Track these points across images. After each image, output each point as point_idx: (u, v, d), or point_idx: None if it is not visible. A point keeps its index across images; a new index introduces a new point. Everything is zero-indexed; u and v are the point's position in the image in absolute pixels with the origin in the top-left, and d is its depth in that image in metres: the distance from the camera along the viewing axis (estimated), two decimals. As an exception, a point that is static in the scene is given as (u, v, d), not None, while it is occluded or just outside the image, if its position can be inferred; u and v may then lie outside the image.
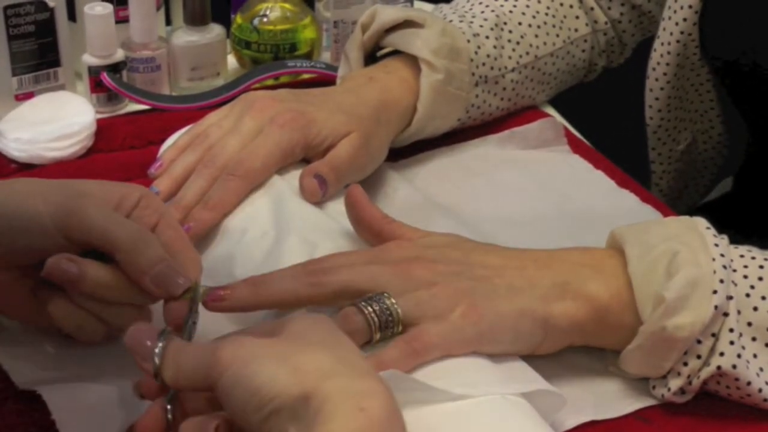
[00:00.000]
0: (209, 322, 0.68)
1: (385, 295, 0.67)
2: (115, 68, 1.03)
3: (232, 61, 1.12)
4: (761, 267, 0.70)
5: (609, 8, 1.06)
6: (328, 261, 0.70)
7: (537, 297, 0.69)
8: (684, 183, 1.11)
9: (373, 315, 0.66)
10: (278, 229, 0.78)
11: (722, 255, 0.69)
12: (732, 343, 0.68)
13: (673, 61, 0.99)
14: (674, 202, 1.10)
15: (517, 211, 0.90)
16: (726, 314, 0.68)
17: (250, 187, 0.82)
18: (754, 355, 0.69)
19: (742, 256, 0.71)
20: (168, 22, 1.15)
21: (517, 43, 0.99)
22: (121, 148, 0.98)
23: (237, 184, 0.81)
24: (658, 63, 1.00)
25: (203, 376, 0.56)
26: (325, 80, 1.05)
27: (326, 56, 1.14)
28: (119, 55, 1.04)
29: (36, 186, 0.69)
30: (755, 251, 0.72)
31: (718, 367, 0.68)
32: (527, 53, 1.00)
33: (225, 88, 1.06)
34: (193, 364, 0.57)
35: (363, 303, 0.66)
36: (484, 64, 0.96)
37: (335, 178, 0.83)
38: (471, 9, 1.00)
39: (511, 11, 1.01)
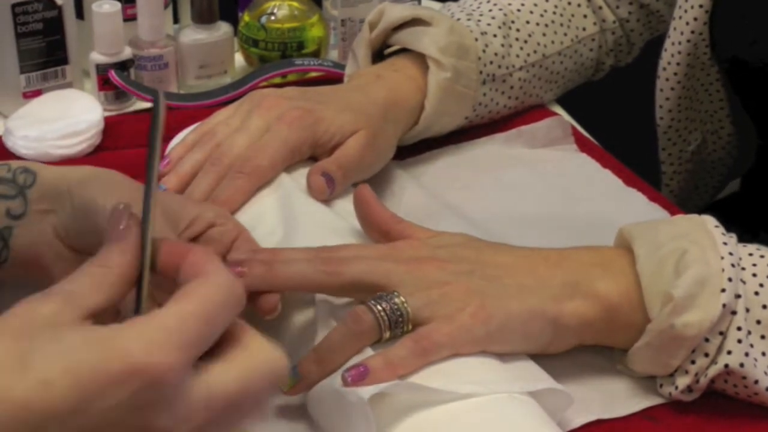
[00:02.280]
0: None
1: (395, 293, 0.66)
2: (122, 66, 1.03)
3: (239, 59, 1.12)
4: (770, 265, 0.70)
5: (617, 7, 1.06)
6: (343, 251, 0.70)
7: (547, 297, 0.69)
8: (694, 184, 1.10)
9: (382, 313, 0.65)
10: (286, 227, 0.78)
11: (731, 253, 0.69)
12: (740, 341, 0.67)
13: (683, 61, 0.99)
14: (684, 203, 1.10)
15: (524, 209, 0.90)
16: (734, 312, 0.68)
17: (257, 185, 0.82)
18: (763, 354, 0.68)
19: (750, 254, 0.71)
20: (176, 20, 1.15)
21: (525, 41, 0.99)
22: (129, 146, 0.98)
23: (244, 182, 0.81)
24: (669, 63, 1.00)
25: None
26: (333, 78, 1.05)
27: (334, 54, 1.13)
28: (127, 53, 1.04)
29: (111, 187, 0.69)
30: (764, 250, 0.71)
31: (726, 366, 0.68)
32: (535, 52, 1.00)
33: (232, 86, 1.06)
34: None
35: (373, 301, 0.66)
36: (491, 62, 0.96)
37: (343, 177, 0.83)
38: (479, 7, 1.00)
39: (518, 10, 1.00)
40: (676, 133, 1.05)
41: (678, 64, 0.99)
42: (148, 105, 1.05)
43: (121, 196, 0.68)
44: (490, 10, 0.99)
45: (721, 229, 0.71)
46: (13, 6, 0.99)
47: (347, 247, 0.71)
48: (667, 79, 1.01)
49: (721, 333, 0.67)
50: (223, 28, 1.08)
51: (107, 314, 0.51)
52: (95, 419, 0.46)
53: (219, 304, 0.50)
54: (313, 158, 0.86)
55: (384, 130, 0.89)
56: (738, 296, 0.68)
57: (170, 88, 1.07)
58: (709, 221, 0.72)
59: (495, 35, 0.97)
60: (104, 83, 1.03)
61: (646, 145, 1.15)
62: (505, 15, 0.99)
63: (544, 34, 1.00)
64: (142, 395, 0.47)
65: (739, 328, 0.67)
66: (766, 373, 0.68)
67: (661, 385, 0.71)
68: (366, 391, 0.61)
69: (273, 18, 1.09)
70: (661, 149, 1.07)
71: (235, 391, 0.50)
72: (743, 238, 0.72)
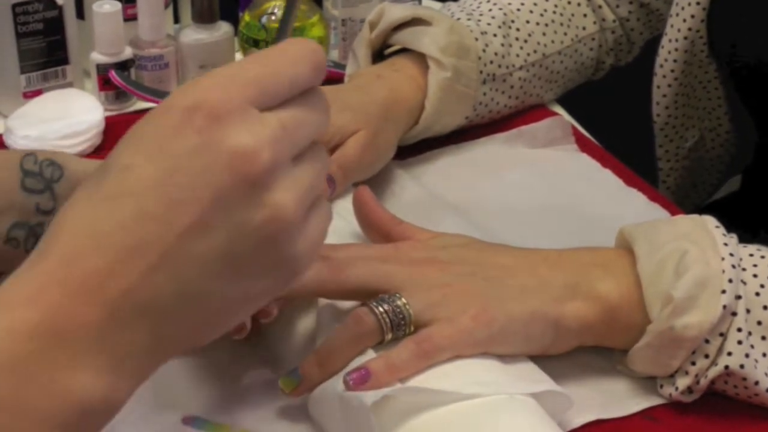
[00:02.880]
0: None
1: (397, 295, 0.67)
2: (123, 66, 1.03)
3: (240, 59, 1.12)
4: (770, 266, 0.70)
5: (617, 6, 1.06)
6: (343, 251, 0.70)
7: (549, 298, 0.69)
8: (692, 181, 1.10)
9: (384, 315, 0.66)
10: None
11: (731, 254, 0.69)
12: (740, 342, 0.68)
13: (680, 58, 0.99)
14: (682, 201, 1.10)
15: (524, 209, 0.90)
16: (734, 314, 0.68)
17: (258, 185, 0.81)
18: (763, 355, 0.68)
19: (751, 255, 0.71)
20: (176, 20, 1.15)
21: (525, 41, 0.99)
22: (130, 146, 0.98)
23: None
24: (666, 60, 1.00)
25: None
26: (333, 78, 1.05)
27: (334, 54, 1.14)
28: (127, 53, 1.04)
29: None
30: (764, 250, 0.71)
31: (726, 367, 0.68)
32: (535, 51, 1.00)
33: (233, 85, 1.06)
34: None
35: (374, 303, 0.66)
36: (491, 62, 0.96)
37: (343, 177, 0.83)
38: (479, 7, 1.00)
39: (518, 9, 1.01)
40: (673, 130, 1.05)
41: (675, 61, 0.99)
42: (148, 105, 1.05)
43: None
44: (490, 10, 0.99)
45: (722, 230, 0.71)
46: (14, 6, 0.99)
47: (348, 246, 0.71)
48: (664, 76, 1.01)
49: (721, 334, 0.68)
50: (224, 28, 1.08)
51: None
52: (184, 175, 0.46)
53: (284, 51, 0.51)
54: (314, 158, 0.86)
55: (384, 129, 0.89)
56: (738, 297, 0.68)
57: (170, 88, 1.07)
58: (710, 221, 0.72)
59: (495, 35, 0.97)
60: (105, 83, 1.04)
61: (646, 144, 1.15)
62: (505, 15, 0.99)
63: (544, 34, 1.01)
64: (210, 129, 0.47)
65: (739, 330, 0.68)
66: (766, 374, 0.68)
67: (661, 386, 0.71)
68: (368, 396, 0.61)
69: (273, 18, 1.09)
70: (658, 146, 1.07)
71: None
72: (743, 238, 0.72)
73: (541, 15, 1.01)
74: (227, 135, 0.47)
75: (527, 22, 1.00)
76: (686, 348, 0.68)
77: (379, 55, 0.98)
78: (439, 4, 1.12)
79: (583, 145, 0.99)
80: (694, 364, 0.69)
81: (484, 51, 0.96)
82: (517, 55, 0.98)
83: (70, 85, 1.04)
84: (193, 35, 1.07)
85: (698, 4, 0.96)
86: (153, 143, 0.47)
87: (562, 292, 0.69)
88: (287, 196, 0.49)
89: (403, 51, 0.96)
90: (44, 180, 0.70)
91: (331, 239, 0.74)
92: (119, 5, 1.02)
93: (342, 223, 0.78)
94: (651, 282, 0.69)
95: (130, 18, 1.05)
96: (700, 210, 1.04)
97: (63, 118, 0.97)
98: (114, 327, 0.46)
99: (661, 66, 1.01)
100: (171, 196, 0.46)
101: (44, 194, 0.70)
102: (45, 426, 0.44)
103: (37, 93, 1.03)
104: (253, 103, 0.48)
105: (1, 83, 1.02)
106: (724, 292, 0.67)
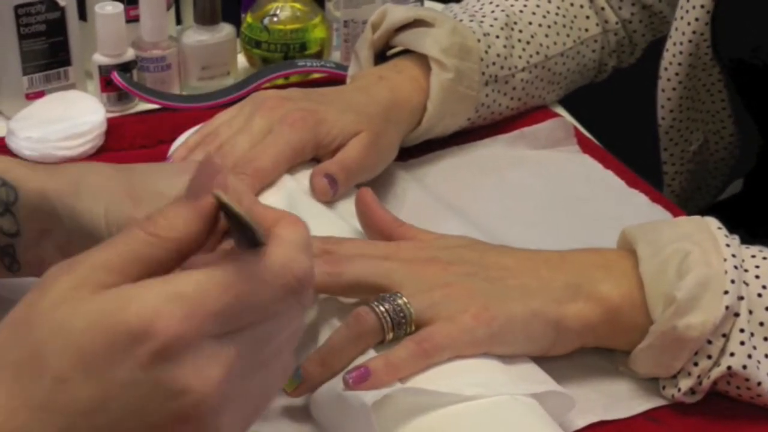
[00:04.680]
0: None
1: (398, 294, 0.67)
2: (125, 67, 1.03)
3: (242, 60, 1.12)
4: (773, 267, 0.70)
5: (620, 8, 1.06)
6: (345, 246, 0.70)
7: (550, 299, 0.69)
8: (696, 184, 1.10)
9: (385, 315, 0.66)
10: (288, 229, 0.78)
11: (734, 255, 0.69)
12: (742, 343, 0.67)
13: (685, 61, 0.99)
14: (686, 203, 1.10)
15: (526, 210, 0.90)
16: (737, 315, 0.68)
17: (260, 186, 0.82)
18: (766, 355, 0.68)
19: (753, 256, 0.71)
20: (178, 21, 1.15)
21: (528, 42, 0.99)
22: (132, 148, 0.98)
23: (247, 184, 0.81)
24: (670, 63, 1.00)
25: None
26: (335, 79, 1.05)
27: (336, 56, 1.14)
28: (129, 54, 1.04)
29: (103, 189, 0.69)
30: (767, 251, 0.71)
31: (729, 368, 0.68)
32: (537, 53, 1.00)
33: (235, 87, 1.06)
34: None
35: (376, 303, 0.66)
36: (494, 63, 0.96)
37: (345, 178, 0.83)
38: (481, 8, 1.00)
39: (521, 11, 1.00)
40: (677, 133, 1.05)
41: (680, 64, 0.99)
42: (150, 106, 1.05)
43: (112, 192, 0.68)
44: (493, 12, 0.99)
45: (724, 231, 0.71)
46: (16, 7, 0.99)
47: (350, 241, 0.72)
48: (668, 80, 1.01)
49: (723, 335, 0.67)
50: (226, 30, 1.08)
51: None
52: (116, 405, 0.45)
53: (255, 272, 0.47)
54: (316, 160, 0.86)
55: (386, 131, 0.89)
56: (741, 298, 0.68)
57: (172, 90, 1.07)
58: (712, 223, 0.72)
59: (497, 36, 0.97)
60: (107, 85, 1.04)
61: (648, 146, 1.15)
62: (507, 16, 0.99)
63: (546, 35, 1.00)
64: (154, 365, 0.45)
65: (741, 330, 0.67)
66: (769, 375, 0.68)
67: (663, 387, 0.71)
68: (369, 396, 0.61)
69: (276, 19, 1.09)
70: (662, 149, 1.07)
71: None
72: (745, 240, 0.72)
73: (544, 17, 1.01)
74: (171, 376, 0.45)
75: (530, 23, 1.00)
76: (689, 349, 0.68)
77: (381, 56, 0.98)
78: (441, 6, 1.12)
79: (585, 147, 0.99)
80: (696, 365, 0.68)
81: (486, 52, 0.96)
82: (520, 57, 0.98)
83: (72, 86, 1.04)
84: (196, 36, 1.07)
85: (702, 7, 0.96)
86: (93, 362, 0.45)
87: (564, 293, 0.69)
88: (230, 420, 0.47)
89: (406, 52, 0.96)
90: (2, 202, 0.68)
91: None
92: (121, 6, 1.02)
93: (344, 225, 0.78)
94: (653, 283, 0.69)
95: (132, 19, 1.05)
96: (703, 212, 1.04)
97: (65, 119, 0.97)
98: None
99: (666, 69, 1.01)
100: (99, 423, 0.45)
101: (5, 216, 0.68)
102: None
103: (40, 94, 1.03)
104: (210, 334, 0.46)
105: (4, 85, 1.02)
106: (726, 292, 0.67)
